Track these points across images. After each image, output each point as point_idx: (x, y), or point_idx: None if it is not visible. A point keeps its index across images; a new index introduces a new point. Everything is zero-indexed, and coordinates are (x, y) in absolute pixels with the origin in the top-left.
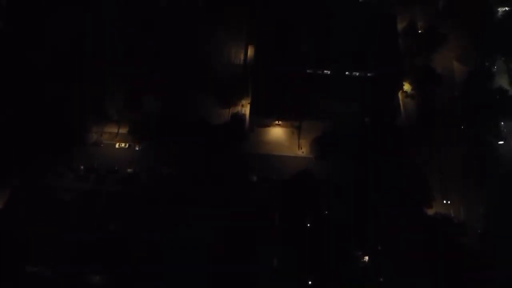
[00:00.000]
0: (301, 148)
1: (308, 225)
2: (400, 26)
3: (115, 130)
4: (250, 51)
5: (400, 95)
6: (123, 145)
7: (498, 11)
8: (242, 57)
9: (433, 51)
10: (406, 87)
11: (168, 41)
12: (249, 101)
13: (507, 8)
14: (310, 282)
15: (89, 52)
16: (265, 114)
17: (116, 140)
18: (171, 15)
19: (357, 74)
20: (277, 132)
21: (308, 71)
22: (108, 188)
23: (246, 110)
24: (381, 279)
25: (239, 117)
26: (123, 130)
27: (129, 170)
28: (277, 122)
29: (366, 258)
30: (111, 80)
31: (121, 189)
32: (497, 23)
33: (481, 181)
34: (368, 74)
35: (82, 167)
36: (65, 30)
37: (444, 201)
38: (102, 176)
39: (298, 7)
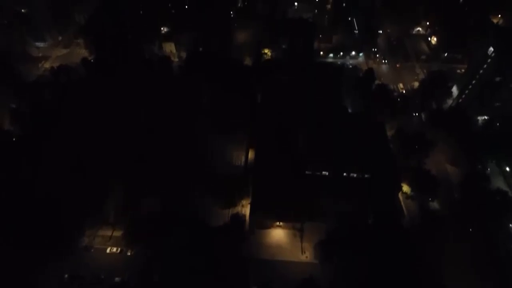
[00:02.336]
0: (305, 252)
1: None
2: (390, 132)
3: (109, 233)
4: (251, 154)
5: (400, 196)
6: (114, 249)
7: (478, 119)
8: (243, 159)
9: (424, 155)
10: (406, 188)
11: (171, 143)
12: (249, 201)
13: (486, 117)
14: None
15: (90, 155)
16: (265, 214)
17: (108, 244)
18: (176, 122)
19: (355, 175)
20: (278, 234)
21: (307, 172)
22: None
23: (246, 210)
24: None
25: (239, 218)
26: (117, 234)
27: (116, 279)
28: (278, 223)
29: None
30: (111, 181)
31: None
32: (479, 130)
33: (500, 284)
34: (366, 176)
35: (66, 275)
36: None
37: None
38: (87, 286)
39: (295, 115)
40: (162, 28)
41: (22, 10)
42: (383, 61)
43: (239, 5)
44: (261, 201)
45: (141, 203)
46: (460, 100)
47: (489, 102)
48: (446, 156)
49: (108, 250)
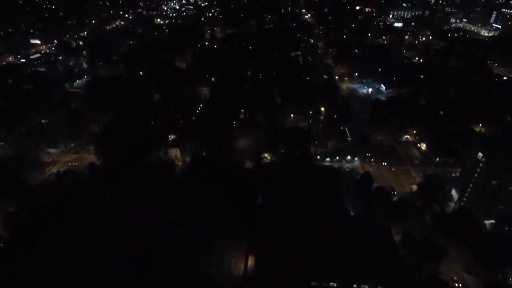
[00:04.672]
0: None
1: None
2: (396, 237)
3: None
4: (251, 262)
5: None
6: None
7: (485, 223)
8: (242, 267)
9: (438, 262)
10: None
11: (166, 252)
12: None
13: (493, 221)
14: None
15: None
16: None
17: None
18: (174, 226)
19: (366, 287)
20: None
21: (313, 283)
22: None
23: None
24: None
25: None
26: None
27: None
28: None
29: None
30: None
31: None
32: (488, 236)
33: None
34: None
35: None
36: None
37: None
38: None
39: (296, 219)
40: (169, 136)
41: (43, 121)
42: (378, 165)
43: (241, 116)
44: None
45: None
46: (462, 203)
47: (492, 206)
48: (461, 263)
49: None
